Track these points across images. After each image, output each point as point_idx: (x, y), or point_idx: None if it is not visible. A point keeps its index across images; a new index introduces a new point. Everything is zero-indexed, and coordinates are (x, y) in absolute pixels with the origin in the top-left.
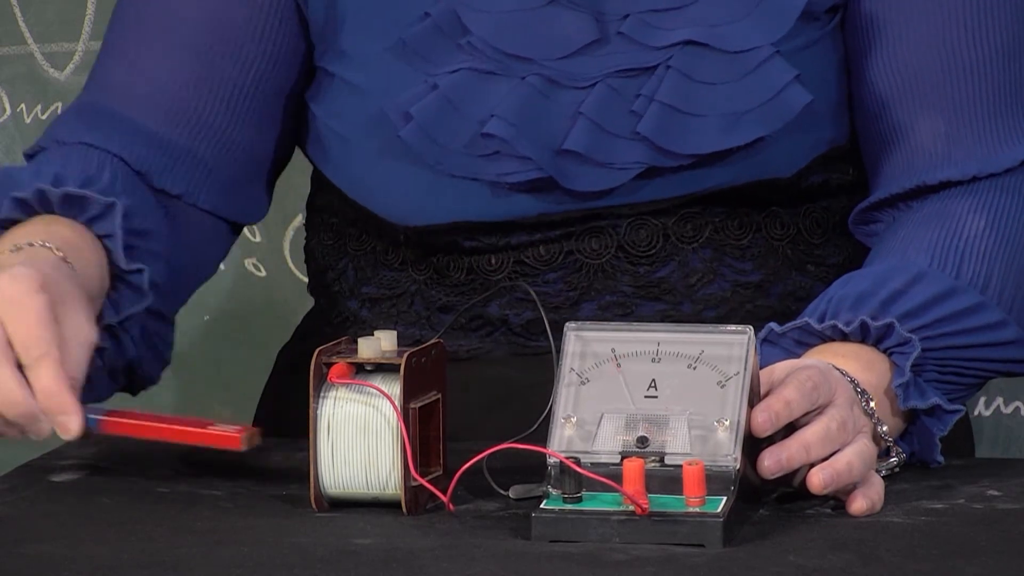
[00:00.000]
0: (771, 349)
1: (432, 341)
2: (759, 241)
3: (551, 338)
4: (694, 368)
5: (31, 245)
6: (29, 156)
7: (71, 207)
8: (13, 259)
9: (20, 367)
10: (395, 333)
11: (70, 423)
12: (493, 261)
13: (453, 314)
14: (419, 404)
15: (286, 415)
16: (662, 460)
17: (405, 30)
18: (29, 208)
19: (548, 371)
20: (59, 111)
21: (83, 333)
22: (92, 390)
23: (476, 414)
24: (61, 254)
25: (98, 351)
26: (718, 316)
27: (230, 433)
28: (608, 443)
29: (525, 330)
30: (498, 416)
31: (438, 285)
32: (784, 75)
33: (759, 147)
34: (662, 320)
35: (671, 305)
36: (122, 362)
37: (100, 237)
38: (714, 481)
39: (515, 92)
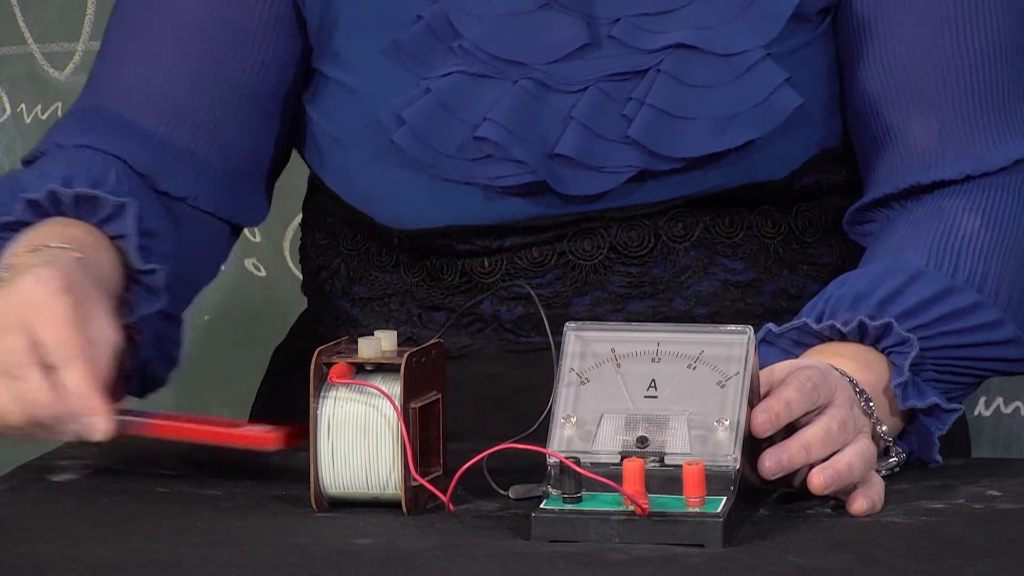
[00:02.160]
0: (769, 349)
1: (432, 341)
2: (751, 239)
3: (550, 336)
4: (694, 368)
5: (48, 247)
6: (27, 161)
7: (83, 208)
8: (33, 260)
9: (46, 369)
10: (395, 333)
11: (99, 424)
12: (486, 263)
13: (445, 312)
14: (419, 404)
15: (281, 414)
16: (662, 460)
17: (398, 32)
18: (40, 210)
19: (540, 367)
20: (59, 111)
21: (107, 334)
22: (106, 392)
23: (469, 411)
24: (79, 255)
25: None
26: (709, 313)
27: (264, 433)
28: (608, 443)
29: (516, 326)
30: (491, 413)
31: (430, 286)
32: (775, 78)
33: (751, 150)
34: (653, 316)
35: (662, 301)
36: (135, 364)
37: (112, 238)
38: (714, 481)
39: (507, 96)
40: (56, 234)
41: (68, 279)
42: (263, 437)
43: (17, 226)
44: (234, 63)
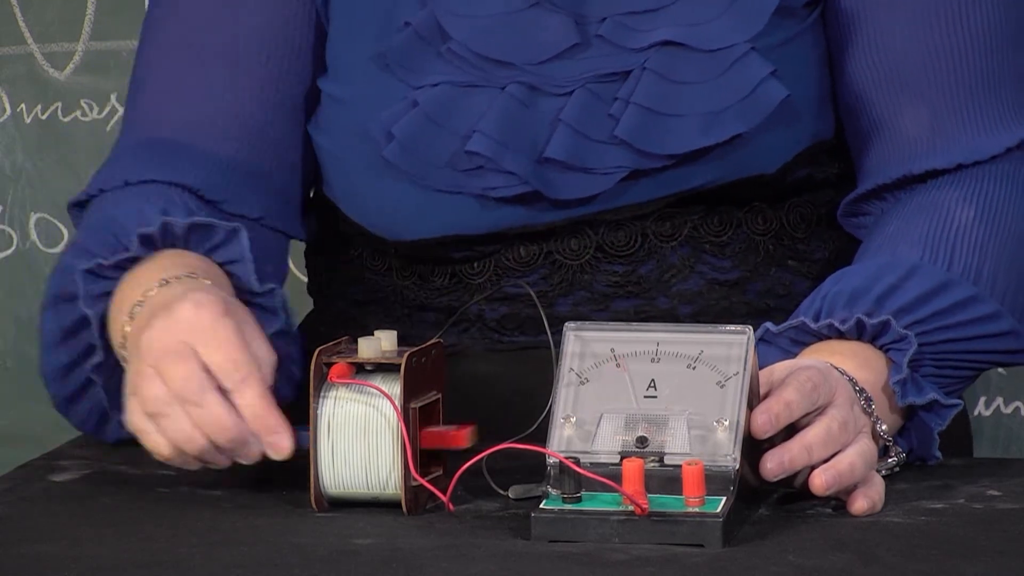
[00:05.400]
0: (767, 348)
1: (432, 341)
2: (740, 237)
3: (549, 334)
4: (693, 368)
5: (178, 279)
6: (76, 204)
7: (194, 237)
8: (173, 291)
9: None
10: (395, 333)
11: (282, 442)
12: (476, 266)
13: (434, 312)
14: (419, 404)
15: (284, 414)
16: (661, 460)
17: (386, 41)
18: (152, 244)
19: (524, 366)
20: (59, 111)
21: (268, 354)
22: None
23: (456, 410)
24: (208, 281)
25: None
26: (693, 312)
27: (454, 431)
28: (607, 443)
29: (500, 325)
30: (479, 411)
31: (419, 287)
32: (760, 71)
33: (740, 144)
34: (636, 315)
35: (646, 300)
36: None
37: (222, 264)
38: (713, 481)
39: (495, 105)
40: (177, 265)
41: (225, 303)
42: (453, 436)
43: (127, 263)
44: (288, 78)
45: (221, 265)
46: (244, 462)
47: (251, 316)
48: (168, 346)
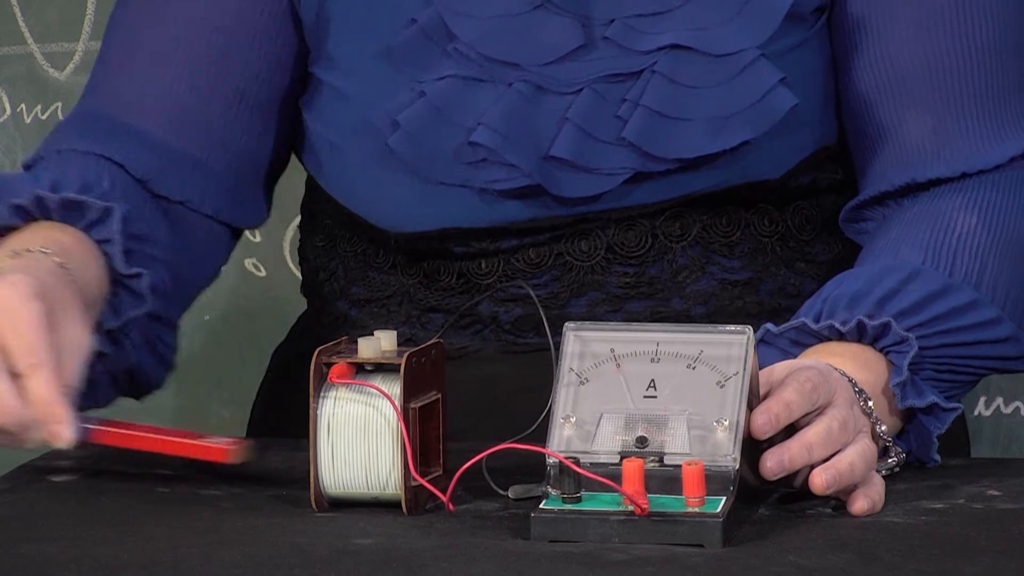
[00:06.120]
0: (767, 349)
1: (432, 341)
2: (748, 238)
3: (550, 336)
4: (693, 368)
5: (29, 251)
6: (28, 166)
7: (69, 213)
8: (10, 265)
9: (13, 375)
10: (395, 333)
11: (62, 432)
12: (483, 265)
13: (443, 314)
14: (419, 404)
15: (281, 415)
16: (661, 460)
17: (391, 36)
18: (27, 214)
19: (538, 367)
20: (59, 111)
21: (79, 340)
22: (94, 396)
23: (468, 411)
24: (59, 260)
25: (99, 356)
26: (707, 312)
27: (220, 446)
28: (607, 443)
29: (514, 327)
30: (490, 413)
31: (428, 288)
32: (770, 78)
33: (746, 150)
34: (651, 316)
35: (660, 301)
36: (123, 367)
37: (98, 242)
38: (713, 481)
39: (502, 99)
40: (39, 239)
41: (41, 284)
42: (220, 450)
43: (3, 231)
44: (234, 68)
45: (100, 244)
46: (28, 447)
47: (73, 300)
48: None
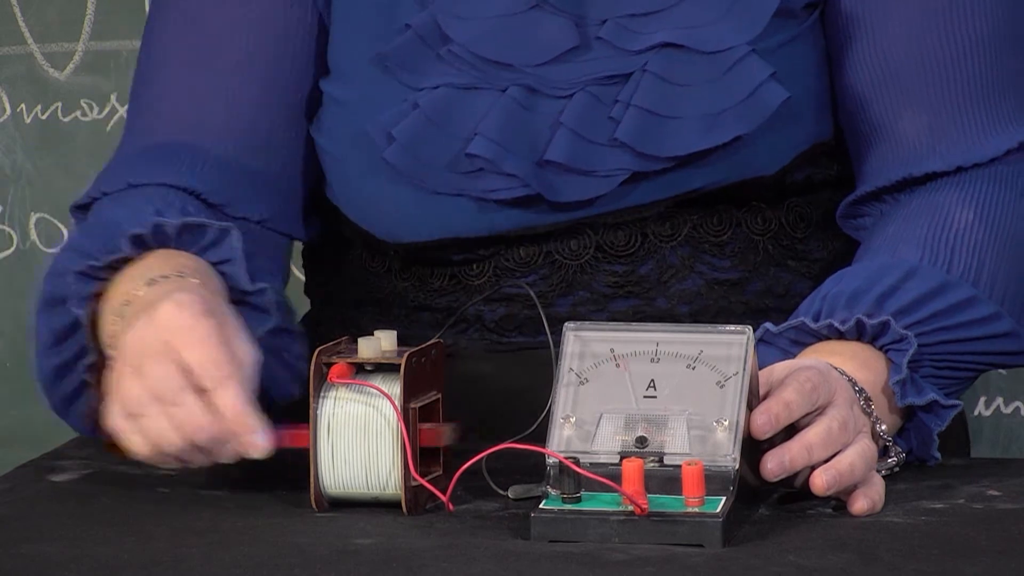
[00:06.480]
0: (767, 348)
1: (432, 341)
2: (739, 237)
3: (550, 336)
4: (693, 368)
5: (166, 277)
6: (79, 206)
7: (186, 238)
8: (160, 290)
9: (200, 392)
10: (395, 333)
11: (259, 441)
12: (475, 267)
13: (431, 312)
14: (419, 404)
15: (281, 413)
16: (661, 460)
17: (386, 43)
18: (143, 245)
19: (524, 367)
20: (59, 111)
21: (249, 353)
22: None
23: (455, 410)
24: (196, 281)
25: None
26: (691, 311)
27: (433, 429)
28: (607, 443)
29: (499, 326)
30: (477, 412)
31: (418, 288)
32: (760, 73)
33: (740, 146)
34: (634, 316)
35: (645, 301)
36: (258, 384)
37: (214, 264)
38: (713, 481)
39: (496, 107)
40: (167, 265)
41: (206, 302)
42: (434, 433)
43: (119, 264)
44: (290, 81)
45: (214, 265)
46: (223, 461)
47: (234, 316)
48: (147, 346)
